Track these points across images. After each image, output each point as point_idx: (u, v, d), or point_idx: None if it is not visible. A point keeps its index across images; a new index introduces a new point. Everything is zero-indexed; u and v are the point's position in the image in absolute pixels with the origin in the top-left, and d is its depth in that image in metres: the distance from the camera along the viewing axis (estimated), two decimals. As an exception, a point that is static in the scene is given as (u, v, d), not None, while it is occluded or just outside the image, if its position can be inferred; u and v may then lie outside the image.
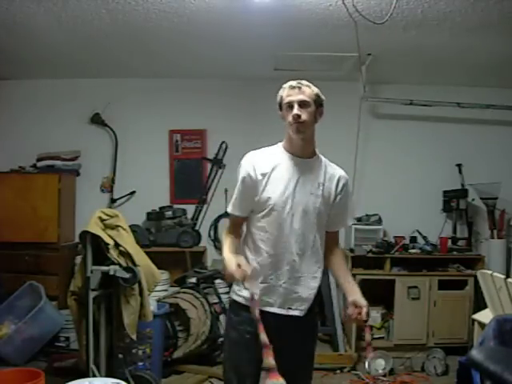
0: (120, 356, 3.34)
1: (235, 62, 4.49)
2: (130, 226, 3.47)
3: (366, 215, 4.84)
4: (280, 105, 2.06)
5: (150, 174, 5.05)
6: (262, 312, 1.93)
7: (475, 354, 2.09)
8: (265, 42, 3.92)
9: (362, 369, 4.12)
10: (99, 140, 5.08)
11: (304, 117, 1.98)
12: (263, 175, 2.00)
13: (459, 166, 5.01)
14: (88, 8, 3.34)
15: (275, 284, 2.02)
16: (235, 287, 2.10)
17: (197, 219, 5.00)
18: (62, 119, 5.01)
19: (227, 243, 2.04)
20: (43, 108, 5.03)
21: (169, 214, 4.84)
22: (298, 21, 3.55)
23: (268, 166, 2.02)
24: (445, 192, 4.97)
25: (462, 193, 4.82)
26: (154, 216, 4.86)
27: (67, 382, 2.58)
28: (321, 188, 2.05)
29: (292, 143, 2.05)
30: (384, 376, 3.95)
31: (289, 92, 2.01)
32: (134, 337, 3.15)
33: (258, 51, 4.16)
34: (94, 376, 3.00)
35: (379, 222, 4.81)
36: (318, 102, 2.03)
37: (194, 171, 5.11)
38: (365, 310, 1.99)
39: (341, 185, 2.11)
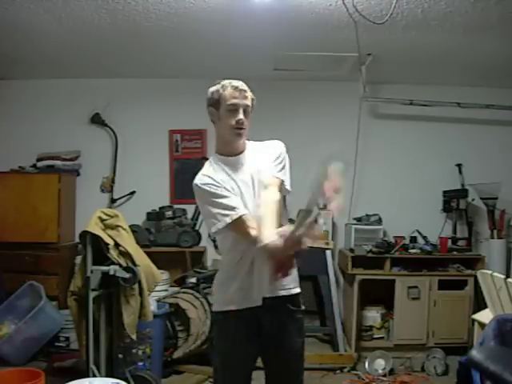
0: (120, 356, 3.34)
1: (235, 62, 4.48)
2: (129, 226, 3.48)
3: (366, 215, 4.84)
4: (215, 102, 2.01)
5: (149, 174, 5.05)
6: (240, 311, 1.98)
7: (475, 353, 2.09)
8: (265, 41, 3.92)
9: (362, 369, 4.12)
10: (99, 140, 5.08)
11: (246, 123, 1.99)
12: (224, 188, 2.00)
13: (459, 165, 5.01)
14: (88, 8, 3.34)
15: (249, 279, 2.00)
16: (219, 297, 2.08)
17: (197, 219, 4.99)
18: (62, 119, 5.01)
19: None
20: (43, 108, 5.03)
21: (169, 213, 4.84)
22: (297, 21, 3.55)
23: (221, 177, 2.00)
24: (445, 192, 4.96)
25: (462, 193, 4.82)
26: (154, 216, 4.86)
27: (67, 382, 2.58)
28: (257, 172, 2.03)
29: (228, 144, 2.04)
30: (384, 376, 3.95)
31: (233, 93, 1.98)
32: (133, 337, 3.15)
33: (258, 51, 4.16)
34: (94, 376, 3.01)
35: (379, 221, 4.80)
36: (253, 107, 2.05)
37: (194, 171, 5.07)
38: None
39: (270, 148, 2.08)
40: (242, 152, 2.07)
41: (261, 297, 2.00)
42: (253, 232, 1.88)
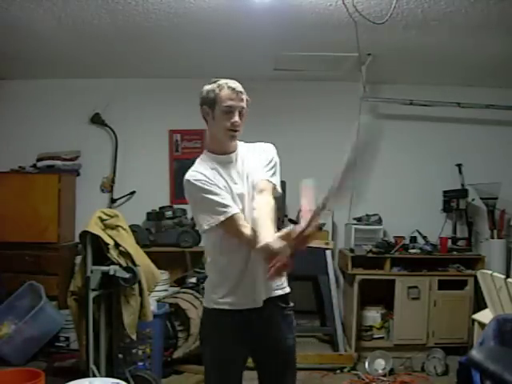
0: (120, 356, 3.34)
1: (235, 62, 4.49)
2: (129, 226, 3.48)
3: (366, 215, 4.84)
4: (211, 101, 1.98)
5: (149, 174, 5.05)
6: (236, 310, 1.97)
7: (475, 353, 2.09)
8: (265, 41, 3.92)
9: (362, 369, 4.11)
10: (99, 140, 5.08)
11: (241, 125, 1.98)
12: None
13: (459, 166, 5.01)
14: (88, 8, 3.34)
15: (254, 276, 1.98)
16: (213, 296, 2.02)
17: (197, 219, 4.99)
18: (62, 119, 5.01)
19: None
20: (43, 108, 5.03)
21: (169, 213, 4.84)
22: (298, 21, 3.55)
23: (212, 175, 1.98)
24: (445, 192, 4.97)
25: (462, 193, 4.82)
26: (154, 216, 4.86)
27: (67, 382, 2.58)
28: (249, 169, 2.04)
29: (220, 144, 2.03)
30: (384, 376, 3.95)
31: (230, 95, 1.95)
32: (133, 337, 3.15)
33: (258, 51, 4.16)
34: (94, 376, 3.01)
35: (379, 221, 4.81)
36: (247, 108, 2.02)
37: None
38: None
39: (262, 151, 2.09)
40: (233, 151, 2.07)
41: (261, 299, 2.00)
42: (246, 231, 1.89)
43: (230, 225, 1.90)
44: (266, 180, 2.00)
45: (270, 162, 2.06)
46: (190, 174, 1.97)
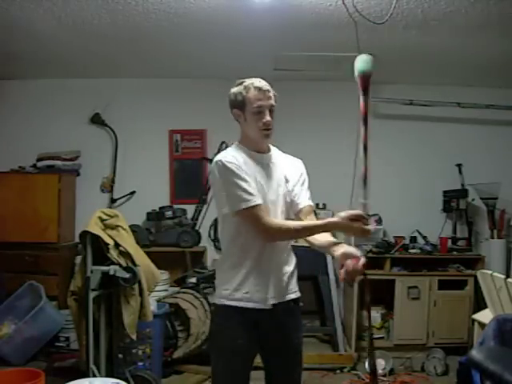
0: (120, 356, 3.34)
1: (235, 62, 4.48)
2: (129, 226, 3.48)
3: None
4: (240, 104, 2.01)
5: (149, 174, 5.05)
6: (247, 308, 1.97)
7: (475, 353, 2.09)
8: (265, 41, 3.92)
9: (362, 369, 4.12)
10: (99, 140, 5.07)
11: (272, 123, 2.00)
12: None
13: (459, 166, 5.01)
14: (88, 8, 3.34)
15: (266, 276, 2.00)
16: (223, 292, 2.01)
17: (197, 219, 5.00)
18: (62, 119, 5.01)
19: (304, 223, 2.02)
20: (43, 108, 5.03)
21: (169, 213, 4.84)
22: (298, 21, 3.55)
23: (243, 163, 1.99)
24: (445, 192, 4.97)
25: (462, 193, 4.82)
26: (154, 216, 4.86)
27: (67, 382, 2.58)
28: (283, 177, 2.10)
29: (255, 143, 2.05)
30: (384, 376, 3.95)
31: (258, 95, 1.97)
32: (133, 337, 3.15)
33: (257, 51, 4.15)
34: (94, 376, 3.01)
35: (379, 221, 4.81)
36: (276, 103, 2.04)
37: (194, 171, 5.11)
38: (362, 259, 1.90)
39: (300, 169, 2.19)
40: (266, 151, 2.09)
41: (271, 301, 2.00)
42: (266, 219, 1.91)
43: (251, 214, 1.91)
44: (309, 205, 2.13)
45: (306, 182, 2.19)
46: (223, 156, 1.99)
